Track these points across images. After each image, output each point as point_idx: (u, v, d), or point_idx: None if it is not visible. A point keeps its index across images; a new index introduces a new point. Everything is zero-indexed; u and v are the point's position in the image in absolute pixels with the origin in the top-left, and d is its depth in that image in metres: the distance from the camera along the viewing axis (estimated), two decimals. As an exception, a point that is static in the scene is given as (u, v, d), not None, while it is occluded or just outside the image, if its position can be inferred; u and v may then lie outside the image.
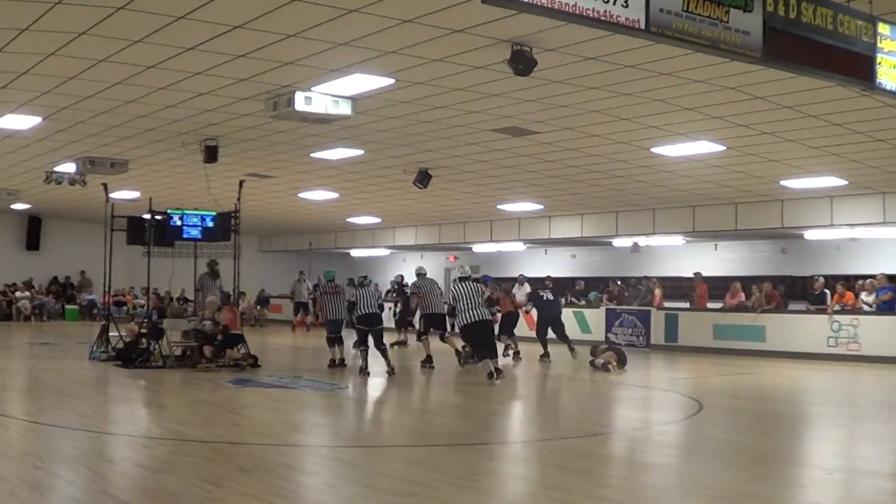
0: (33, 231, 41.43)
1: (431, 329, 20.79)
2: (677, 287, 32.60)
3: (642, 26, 7.45)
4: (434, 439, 11.78)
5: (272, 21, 11.22)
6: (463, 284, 18.66)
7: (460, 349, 20.45)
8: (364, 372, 18.89)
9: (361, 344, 19.50)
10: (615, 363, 20.69)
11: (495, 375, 17.65)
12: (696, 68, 12.79)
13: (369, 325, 19.43)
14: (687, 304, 29.61)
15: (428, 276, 22.44)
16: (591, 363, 20.88)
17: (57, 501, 8.09)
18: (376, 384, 18.20)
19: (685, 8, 7.61)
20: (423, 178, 22.49)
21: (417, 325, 22.78)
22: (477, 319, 18.12)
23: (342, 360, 20.59)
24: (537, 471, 10.00)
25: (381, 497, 8.24)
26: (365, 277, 21.12)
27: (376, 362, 18.95)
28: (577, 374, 20.39)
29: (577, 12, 7.16)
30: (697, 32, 7.72)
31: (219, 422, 12.91)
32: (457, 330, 19.44)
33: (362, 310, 19.53)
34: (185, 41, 12.18)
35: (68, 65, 13.47)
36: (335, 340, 20.59)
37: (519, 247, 38.57)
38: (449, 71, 13.50)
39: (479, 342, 18.47)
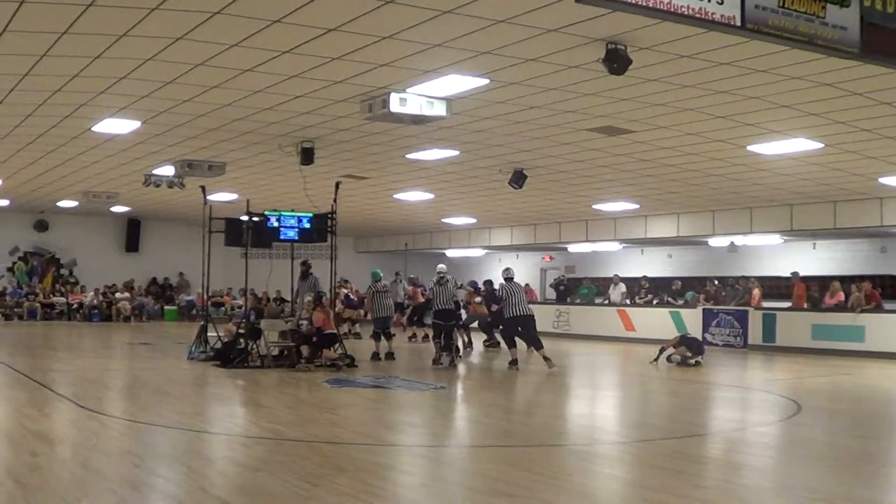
0: (133, 233, 42.12)
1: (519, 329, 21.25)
2: (775, 287, 32.19)
3: (738, 23, 7.38)
4: (528, 439, 11.75)
5: (367, 23, 11.27)
6: (510, 285, 21.29)
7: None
8: (438, 363, 20.40)
9: (436, 337, 21.36)
10: (690, 355, 20.63)
11: (550, 363, 20.12)
12: (792, 65, 12.61)
13: (443, 321, 21.20)
14: (786, 304, 29.19)
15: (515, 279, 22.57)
16: (667, 359, 20.88)
17: (156, 499, 8.21)
18: (470, 385, 18.23)
19: (781, 4, 7.52)
20: (519, 179, 22.44)
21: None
22: (521, 314, 20.83)
23: (389, 353, 22.08)
24: (632, 471, 9.93)
25: (477, 497, 8.25)
26: (442, 277, 21.83)
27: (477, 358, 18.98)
28: (670, 375, 20.22)
29: (673, 10, 7.11)
30: (793, 28, 7.62)
31: (316, 421, 13.00)
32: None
33: (437, 306, 21.54)
34: (281, 44, 12.29)
35: (166, 69, 13.66)
36: (381, 335, 22.45)
37: (615, 246, 38.34)
38: (543, 70, 13.47)
39: (525, 334, 21.04)
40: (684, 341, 22.22)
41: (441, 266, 22.38)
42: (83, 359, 22.35)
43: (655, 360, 21.58)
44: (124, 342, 27.60)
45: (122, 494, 8.08)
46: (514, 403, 16.59)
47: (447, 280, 21.92)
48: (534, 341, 21.06)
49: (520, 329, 20.97)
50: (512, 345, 20.77)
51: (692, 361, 21.23)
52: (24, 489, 8.04)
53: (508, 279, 21.71)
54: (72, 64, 13.45)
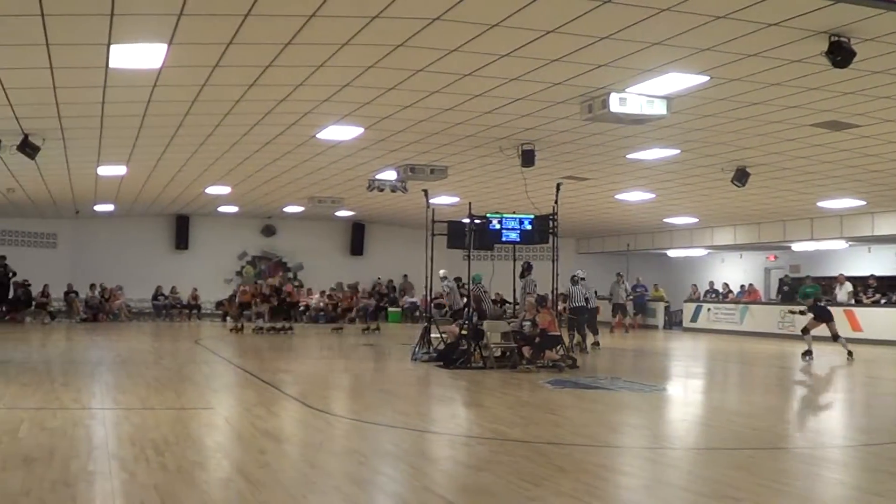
0: (357, 237, 43.03)
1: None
2: None
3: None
4: (751, 442, 11.50)
5: (585, 24, 11.25)
6: (578, 285, 25.06)
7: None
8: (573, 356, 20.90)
9: (570, 329, 24.07)
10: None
11: (598, 346, 25.58)
12: None
13: (576, 315, 24.76)
14: None
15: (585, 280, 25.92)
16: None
17: (379, 497, 8.36)
18: (692, 386, 17.97)
19: None
20: (742, 177, 22.05)
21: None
22: (584, 305, 24.96)
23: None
24: (858, 476, 9.61)
25: (699, 500, 8.12)
26: (573, 277, 24.76)
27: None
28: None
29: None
30: None
31: (537, 422, 13.01)
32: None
33: (573, 303, 24.93)
34: (500, 48, 12.37)
35: (387, 76, 13.91)
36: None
37: (840, 245, 37.20)
38: (764, 66, 13.19)
39: (588, 322, 25.22)
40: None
41: (578, 271, 25.97)
42: (309, 359, 22.93)
43: None
44: (349, 343, 28.12)
45: (346, 492, 8.25)
46: (737, 405, 16.25)
47: (581, 279, 25.45)
48: (592, 328, 25.61)
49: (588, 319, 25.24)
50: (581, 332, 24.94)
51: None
52: (253, 486, 8.29)
53: (576, 281, 25.35)
54: (296, 73, 13.83)
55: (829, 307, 23.32)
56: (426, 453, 10.71)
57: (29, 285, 36.41)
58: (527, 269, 23.80)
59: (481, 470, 9.28)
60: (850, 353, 22.07)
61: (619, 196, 28.65)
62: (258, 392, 15.57)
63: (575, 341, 23.70)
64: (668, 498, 8.26)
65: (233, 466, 9.36)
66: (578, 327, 24.91)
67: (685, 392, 17.53)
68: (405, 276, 42.66)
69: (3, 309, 36.43)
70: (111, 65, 13.08)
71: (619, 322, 36.41)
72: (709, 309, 37.40)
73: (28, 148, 18.29)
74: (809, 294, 22.97)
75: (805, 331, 22.65)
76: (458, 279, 24.60)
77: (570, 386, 16.93)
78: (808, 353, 21.91)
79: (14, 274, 36.62)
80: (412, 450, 10.79)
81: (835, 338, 22.09)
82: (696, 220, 36.44)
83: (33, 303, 36.50)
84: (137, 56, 12.74)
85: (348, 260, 42.83)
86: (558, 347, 19.93)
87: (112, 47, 12.15)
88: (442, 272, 23.82)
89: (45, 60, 12.76)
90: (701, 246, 40.97)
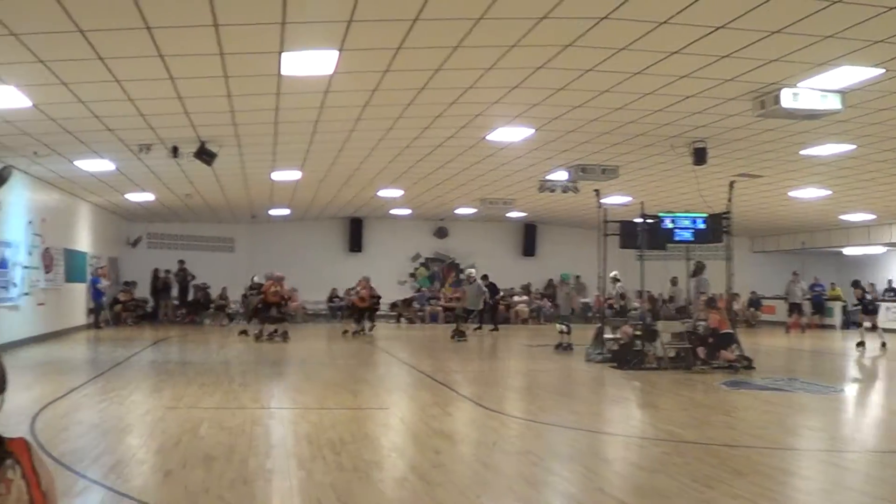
0: (529, 237, 43.06)
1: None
2: None
3: None
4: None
5: (755, 19, 11.05)
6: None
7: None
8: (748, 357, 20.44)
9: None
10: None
11: None
12: None
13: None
14: None
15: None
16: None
17: (552, 498, 8.38)
18: (872, 386, 17.53)
19: None
20: (922, 172, 21.44)
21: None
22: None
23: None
24: None
25: (880, 504, 7.95)
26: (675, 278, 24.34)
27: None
28: None
29: None
30: None
31: (712, 424, 12.87)
32: None
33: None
34: (669, 45, 12.24)
35: (556, 76, 13.89)
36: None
37: None
38: (945, 56, 12.78)
39: None
40: None
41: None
42: (482, 360, 23.05)
43: None
44: (522, 344, 28.20)
45: (520, 492, 8.30)
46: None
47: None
48: None
49: None
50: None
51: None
52: (427, 485, 8.39)
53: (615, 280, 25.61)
54: (466, 76, 13.91)
55: None
56: (600, 454, 10.70)
57: (207, 288, 37.45)
58: (699, 269, 23.54)
59: (655, 472, 9.23)
60: None
61: (793, 193, 28.04)
62: (433, 392, 15.74)
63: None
64: (847, 502, 8.09)
65: (408, 466, 9.50)
66: None
67: (864, 393, 17.12)
68: (577, 276, 42.53)
69: (183, 311, 37.57)
70: (283, 72, 13.34)
71: (796, 322, 35.66)
72: (888, 308, 36.33)
73: (205, 155, 18.79)
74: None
75: None
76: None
77: (745, 387, 16.71)
78: None
79: (193, 277, 37.77)
80: (586, 451, 10.80)
81: None
82: (874, 216, 35.43)
83: (211, 305, 37.50)
84: (309, 63, 12.98)
85: (520, 261, 42.87)
86: (733, 347, 19.65)
87: (284, 55, 12.40)
88: (613, 273, 23.79)
89: (219, 69, 13.09)
90: (879, 243, 39.82)
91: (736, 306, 26.39)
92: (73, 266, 28.03)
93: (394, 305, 39.94)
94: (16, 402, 12.60)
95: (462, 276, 23.63)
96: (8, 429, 2.67)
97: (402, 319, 39.55)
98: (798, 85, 14.23)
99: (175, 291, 38.19)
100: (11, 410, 9.80)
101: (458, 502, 7.98)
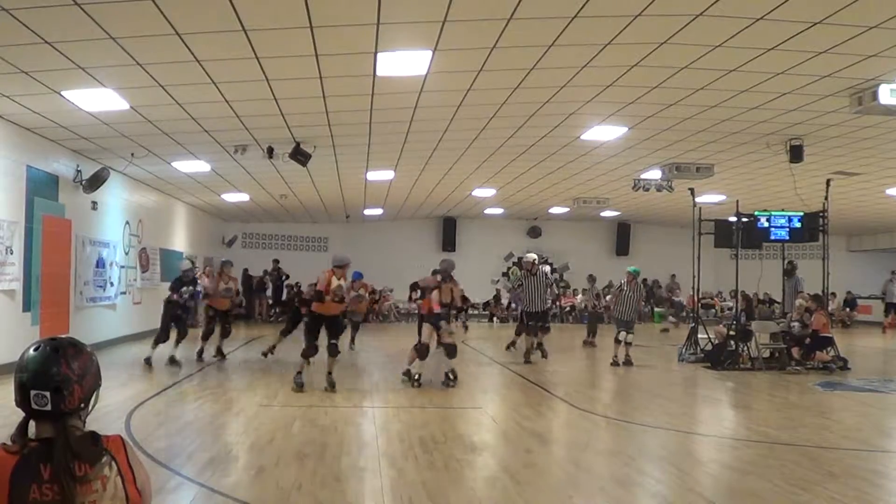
0: (623, 237, 42.86)
1: None
2: None
3: None
4: None
5: (853, 14, 10.90)
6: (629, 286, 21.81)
7: None
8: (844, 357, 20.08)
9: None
10: None
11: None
12: None
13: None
14: None
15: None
16: None
17: (644, 498, 8.35)
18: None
19: None
20: None
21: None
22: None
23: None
24: None
25: (980, 509, 7.81)
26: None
27: None
28: None
29: None
30: None
31: (807, 425, 12.71)
32: None
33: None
34: (765, 42, 12.12)
35: (651, 74, 13.82)
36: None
37: None
38: None
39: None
40: None
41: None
42: (575, 360, 22.97)
43: None
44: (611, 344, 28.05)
45: (611, 493, 8.28)
46: None
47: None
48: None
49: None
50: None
51: None
52: (518, 484, 8.41)
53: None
54: (560, 75, 13.89)
55: None
56: (693, 455, 10.63)
57: (300, 287, 37.73)
58: (791, 269, 23.27)
59: (748, 473, 9.16)
60: None
61: (891, 191, 27.58)
62: (525, 392, 15.76)
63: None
64: (947, 506, 7.96)
65: (499, 465, 9.52)
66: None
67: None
68: (672, 275, 42.19)
69: (277, 310, 37.90)
70: (378, 73, 13.43)
71: (893, 322, 35.09)
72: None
73: (300, 155, 18.95)
74: None
75: None
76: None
77: (841, 388, 16.50)
78: None
79: (287, 276, 38.08)
80: (678, 451, 10.74)
81: None
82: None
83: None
84: (403, 63, 13.04)
85: (614, 260, 42.64)
86: (829, 349, 19.40)
87: (378, 55, 12.48)
88: (589, 274, 23.54)
89: (314, 70, 13.20)
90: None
91: (831, 306, 26.01)
92: (170, 266, 28.42)
93: (486, 305, 39.95)
94: (112, 400, 12.87)
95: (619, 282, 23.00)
96: (104, 426, 2.75)
97: (495, 319, 39.55)
98: (897, 81, 14.03)
99: (269, 291, 38.58)
100: (108, 408, 10.03)
101: (550, 502, 7.98)
